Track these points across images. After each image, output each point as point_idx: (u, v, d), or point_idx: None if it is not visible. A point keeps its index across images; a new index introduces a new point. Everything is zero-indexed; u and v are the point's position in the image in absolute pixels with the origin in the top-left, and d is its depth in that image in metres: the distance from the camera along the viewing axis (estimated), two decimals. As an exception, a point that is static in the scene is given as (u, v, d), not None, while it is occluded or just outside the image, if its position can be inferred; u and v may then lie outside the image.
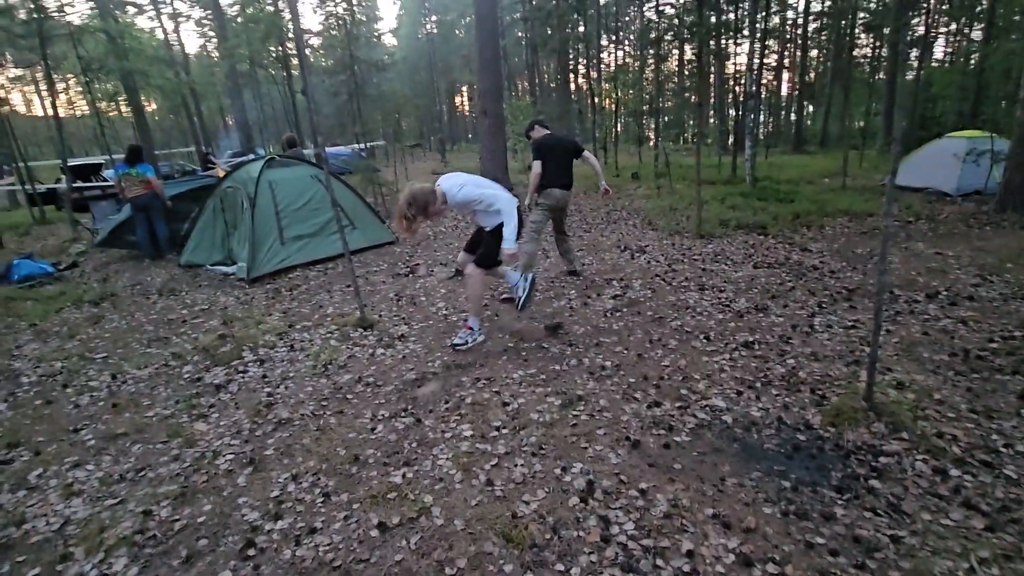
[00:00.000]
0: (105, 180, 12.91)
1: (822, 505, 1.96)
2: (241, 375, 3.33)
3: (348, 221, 6.18)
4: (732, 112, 21.63)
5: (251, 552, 1.90)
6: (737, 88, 21.64)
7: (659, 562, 1.76)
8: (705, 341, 3.44)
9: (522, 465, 2.28)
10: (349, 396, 2.99)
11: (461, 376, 3.13)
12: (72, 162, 14.66)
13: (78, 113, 30.45)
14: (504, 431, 2.55)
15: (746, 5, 15.07)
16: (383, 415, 2.76)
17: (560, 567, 1.76)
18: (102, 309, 4.89)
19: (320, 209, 5.97)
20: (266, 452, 2.50)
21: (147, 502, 2.20)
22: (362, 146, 17.64)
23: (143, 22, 27.29)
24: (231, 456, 2.48)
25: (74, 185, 12.60)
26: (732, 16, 15.97)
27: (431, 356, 3.42)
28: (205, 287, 5.41)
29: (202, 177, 8.73)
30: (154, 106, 29.57)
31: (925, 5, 17.50)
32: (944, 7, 20.33)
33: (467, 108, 44.75)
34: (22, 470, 2.49)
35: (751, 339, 3.42)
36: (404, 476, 2.26)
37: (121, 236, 6.79)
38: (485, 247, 3.44)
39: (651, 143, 20.10)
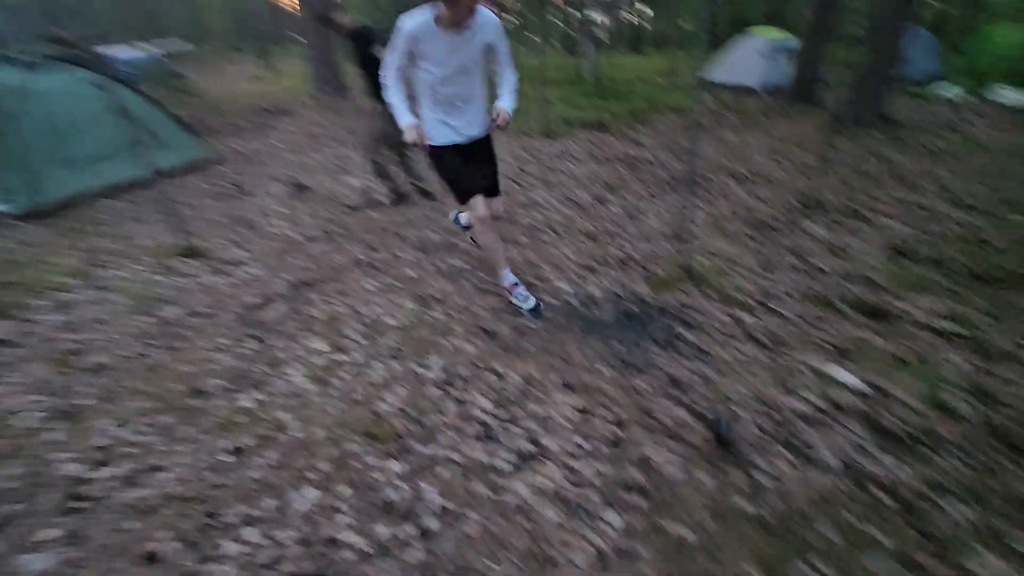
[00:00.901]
0: None
1: (646, 358, 2.30)
2: (30, 326, 2.81)
3: (153, 138, 5.24)
4: (577, 13, 21.65)
5: (75, 505, 1.72)
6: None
7: (514, 429, 1.94)
8: (552, 234, 3.65)
9: (381, 368, 2.31)
10: (181, 330, 2.70)
11: (310, 293, 2.98)
12: None
13: None
14: (361, 341, 2.52)
15: None
16: (224, 344, 2.55)
17: (423, 449, 1.86)
18: None
19: (114, 125, 4.95)
20: (86, 402, 2.20)
21: (-73, 480, 1.84)
22: (161, 50, 14.70)
23: None
24: (38, 414, 2.15)
25: None
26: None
27: (275, 277, 3.19)
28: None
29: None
30: None
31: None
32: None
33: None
34: None
35: (592, 229, 3.70)
36: (255, 399, 2.16)
37: None
38: (491, 162, 2.74)
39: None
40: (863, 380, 2.07)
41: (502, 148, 6.00)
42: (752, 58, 9.30)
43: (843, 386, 2.06)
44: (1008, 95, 7.66)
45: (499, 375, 2.24)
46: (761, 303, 2.66)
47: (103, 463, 1.88)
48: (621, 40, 26.56)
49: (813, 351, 2.28)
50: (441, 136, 2.49)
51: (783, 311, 2.59)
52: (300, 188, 4.77)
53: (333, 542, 1.56)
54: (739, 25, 16.14)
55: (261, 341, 2.56)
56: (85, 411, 2.15)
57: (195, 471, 1.83)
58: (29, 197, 4.35)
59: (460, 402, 2.09)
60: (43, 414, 2.14)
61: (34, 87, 4.61)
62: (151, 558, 1.54)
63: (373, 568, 1.48)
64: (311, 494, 1.71)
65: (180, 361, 2.44)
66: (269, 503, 1.69)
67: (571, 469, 1.76)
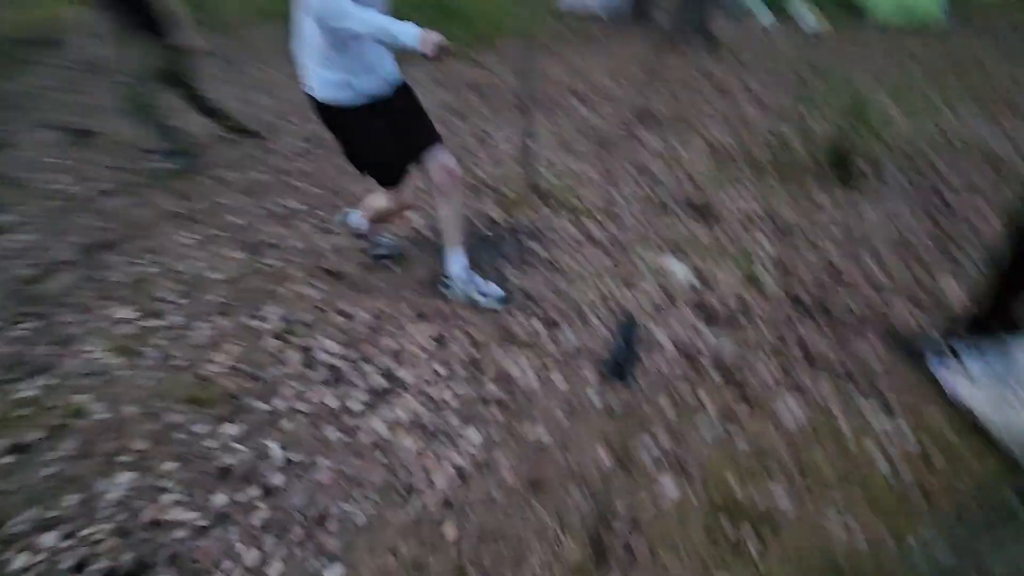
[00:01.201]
0: None
1: (500, 277, 2.28)
2: None
3: None
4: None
5: None
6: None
7: (366, 367, 1.84)
8: (398, 165, 3.43)
9: (206, 328, 2.03)
10: (-79, 321, 2.12)
11: (108, 256, 2.50)
12: None
13: None
14: (179, 301, 2.19)
15: None
16: (8, 333, 2.06)
17: (263, 406, 1.69)
18: None
19: None
20: None
21: None
22: None
23: None
24: None
25: None
26: None
27: (57, 242, 2.62)
28: None
29: None
30: None
31: None
32: None
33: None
34: None
35: (440, 156, 3.54)
36: (40, 386, 1.78)
37: None
38: (419, 113, 2.13)
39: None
40: (692, 269, 2.27)
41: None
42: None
43: (675, 276, 2.23)
44: (807, 17, 8.65)
45: (347, 315, 2.09)
46: (605, 211, 2.77)
47: None
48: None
49: (650, 249, 2.44)
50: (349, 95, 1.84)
51: (624, 216, 2.72)
52: (83, 134, 3.91)
53: (158, 524, 1.36)
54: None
55: (43, 318, 2.11)
56: None
57: (-39, 484, 1.48)
58: None
59: (304, 349, 1.91)
60: None
61: None
62: None
63: (210, 540, 1.33)
64: (124, 478, 1.47)
65: (-77, 358, 1.93)
66: (70, 499, 1.43)
67: (428, 396, 1.72)
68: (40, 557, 1.30)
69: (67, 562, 1.28)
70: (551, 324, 2.01)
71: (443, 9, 9.09)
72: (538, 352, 1.89)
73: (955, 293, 2.08)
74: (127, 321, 2.08)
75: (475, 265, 2.35)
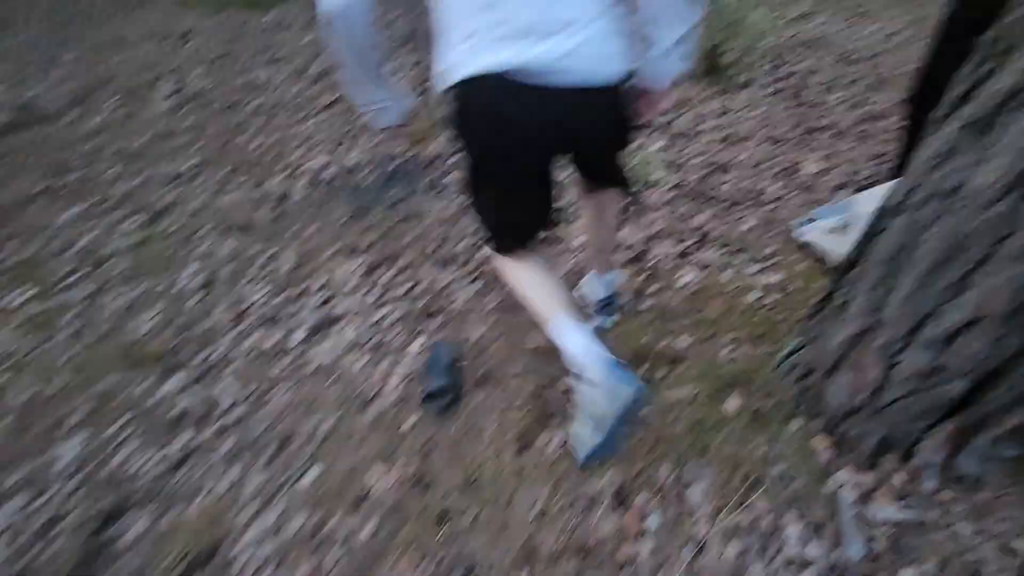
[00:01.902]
0: None
1: (417, 208, 2.39)
2: None
3: None
4: None
5: None
6: None
7: (299, 306, 1.92)
8: (290, 113, 3.34)
9: (119, 298, 2.00)
10: None
11: (-17, 243, 2.33)
12: None
13: None
14: (76, 275, 2.12)
15: None
16: None
17: (201, 357, 1.75)
18: None
19: None
20: None
21: None
22: None
23: None
24: None
25: None
26: None
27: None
28: None
29: None
30: None
31: None
32: None
33: None
34: None
35: (332, 100, 3.48)
36: (-57, 379, 1.71)
37: None
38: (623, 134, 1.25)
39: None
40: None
41: (198, 27, 5.03)
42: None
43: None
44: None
45: (268, 262, 2.13)
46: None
47: None
48: None
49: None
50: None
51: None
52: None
53: (123, 472, 1.43)
54: None
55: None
56: None
57: None
58: None
59: (231, 301, 1.95)
60: None
61: None
62: None
63: (177, 476, 1.42)
64: (76, 440, 1.51)
65: None
66: (24, 469, 1.44)
67: (366, 320, 1.84)
68: (13, 519, 1.34)
69: (40, 521, 1.33)
70: (473, 244, 2.17)
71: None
72: (462, 267, 2.05)
73: (813, 170, 2.47)
74: (26, 303, 2.00)
75: (388, 198, 2.44)
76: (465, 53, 1.00)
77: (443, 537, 1.23)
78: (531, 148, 1.11)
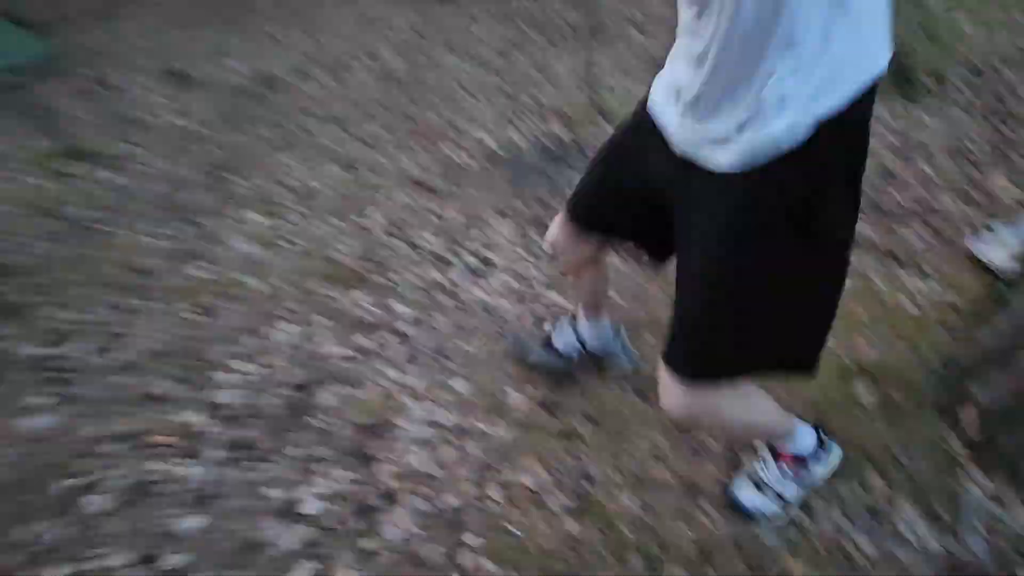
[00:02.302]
0: None
1: (569, 183, 2.61)
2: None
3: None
4: None
5: (54, 376, 1.85)
6: None
7: (463, 252, 2.24)
8: (465, 94, 3.76)
9: (324, 226, 2.48)
10: (94, 226, 2.66)
11: (230, 176, 2.99)
12: None
13: None
14: (296, 206, 2.64)
15: None
16: (150, 230, 2.58)
17: (382, 280, 2.13)
18: None
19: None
20: (23, 299, 2.22)
21: None
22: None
23: None
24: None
25: None
26: None
27: (180, 168, 3.12)
28: None
29: None
30: None
31: None
32: None
33: None
34: None
35: (503, 85, 3.84)
36: (204, 268, 2.28)
37: None
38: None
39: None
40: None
41: (393, 16, 5.74)
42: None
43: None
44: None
45: (439, 216, 2.49)
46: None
47: (61, 342, 1.98)
48: None
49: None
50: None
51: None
52: (182, 77, 4.42)
53: (319, 355, 1.83)
54: None
55: (193, 223, 2.61)
56: (25, 307, 2.18)
57: (164, 331, 1.99)
58: None
59: (408, 240, 2.33)
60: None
61: None
62: (150, 397, 1.74)
63: (361, 366, 1.78)
64: (286, 327, 1.95)
65: (108, 250, 2.46)
66: (249, 340, 1.92)
67: (516, 273, 2.11)
68: (236, 376, 1.79)
69: (255, 379, 1.77)
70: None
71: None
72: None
73: (1005, 189, 2.27)
74: (259, 223, 2.55)
75: (546, 174, 2.68)
76: None
77: (565, 449, 1.44)
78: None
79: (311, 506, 1.46)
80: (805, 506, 1.23)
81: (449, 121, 3.36)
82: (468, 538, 1.36)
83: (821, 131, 0.74)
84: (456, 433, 1.53)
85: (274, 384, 1.76)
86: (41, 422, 1.69)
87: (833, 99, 0.73)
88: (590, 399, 1.56)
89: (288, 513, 1.45)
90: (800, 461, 1.21)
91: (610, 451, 1.40)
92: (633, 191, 1.10)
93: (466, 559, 1.33)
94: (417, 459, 1.50)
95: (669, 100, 0.95)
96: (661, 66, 1.05)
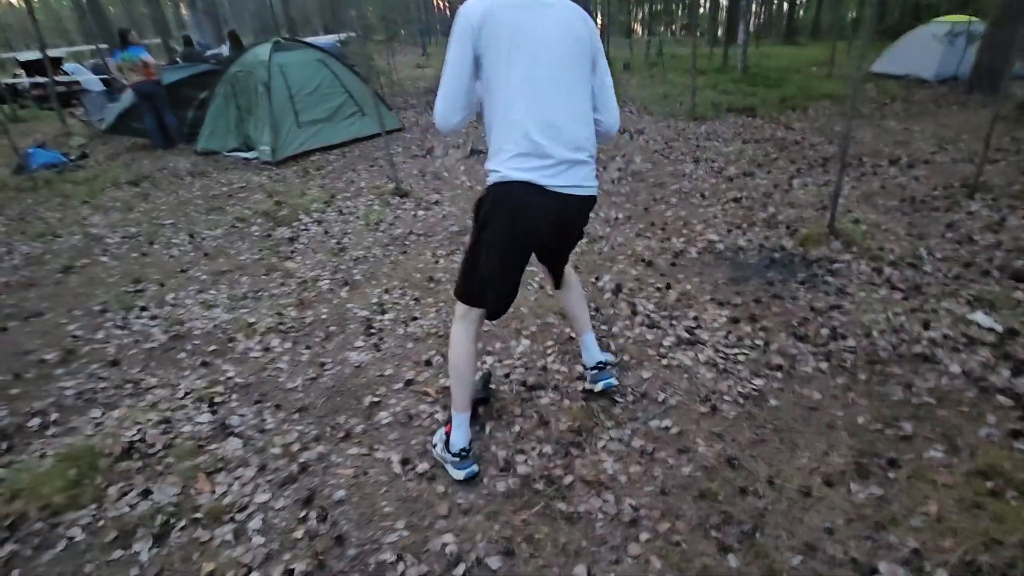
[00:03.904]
0: (67, 75, 12.41)
1: (790, 292, 2.72)
2: (305, 231, 3.90)
3: (358, 108, 6.45)
4: (723, 2, 21.00)
5: (372, 329, 2.60)
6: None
7: (673, 323, 2.51)
8: (700, 199, 4.10)
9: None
10: (406, 243, 3.60)
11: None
12: (24, 56, 13.91)
13: None
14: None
15: None
16: (441, 253, 3.40)
17: (604, 328, 2.50)
18: (144, 188, 5.29)
19: (330, 94, 6.22)
20: (355, 277, 3.14)
21: (275, 309, 2.85)
22: (338, 37, 16.90)
23: None
24: (327, 281, 3.12)
25: (37, 81, 12.14)
26: None
27: (467, 216, 4.02)
28: (233, 170, 5.79)
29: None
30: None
31: None
32: None
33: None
34: (156, 295, 3.11)
35: (739, 196, 4.08)
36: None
37: (128, 123, 6.93)
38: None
39: (639, 34, 19.63)
40: (998, 322, 2.33)
41: (651, 128, 6.45)
42: (927, 46, 8.69)
43: (978, 325, 2.33)
44: None
45: (658, 289, 2.80)
46: (905, 261, 2.93)
47: (382, 312, 2.76)
48: (771, 30, 25.17)
49: (952, 300, 2.54)
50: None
51: (926, 268, 2.84)
52: (475, 152, 5.66)
53: (544, 369, 2.25)
54: (922, 14, 14.74)
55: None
56: (358, 283, 3.09)
57: (440, 322, 2.63)
58: (279, 149, 5.70)
59: (629, 304, 2.69)
60: (330, 282, 3.11)
61: (279, 62, 5.94)
62: (428, 363, 2.34)
63: (575, 382, 2.14)
64: (524, 343, 2.42)
65: (413, 260, 3.32)
66: (496, 345, 2.43)
67: (719, 351, 2.29)
68: (486, 367, 2.30)
69: (500, 371, 2.24)
70: (834, 334, 2.37)
71: (749, 74, 9.57)
72: (813, 344, 2.28)
73: None
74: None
75: (764, 277, 2.82)
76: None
77: (737, 502, 1.56)
78: (537, 235, 1.57)
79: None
80: None
81: (682, 219, 3.72)
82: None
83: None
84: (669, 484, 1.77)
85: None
86: (358, 357, 2.41)
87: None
88: (773, 470, 1.65)
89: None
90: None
91: (787, 519, 1.48)
92: None
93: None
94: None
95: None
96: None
